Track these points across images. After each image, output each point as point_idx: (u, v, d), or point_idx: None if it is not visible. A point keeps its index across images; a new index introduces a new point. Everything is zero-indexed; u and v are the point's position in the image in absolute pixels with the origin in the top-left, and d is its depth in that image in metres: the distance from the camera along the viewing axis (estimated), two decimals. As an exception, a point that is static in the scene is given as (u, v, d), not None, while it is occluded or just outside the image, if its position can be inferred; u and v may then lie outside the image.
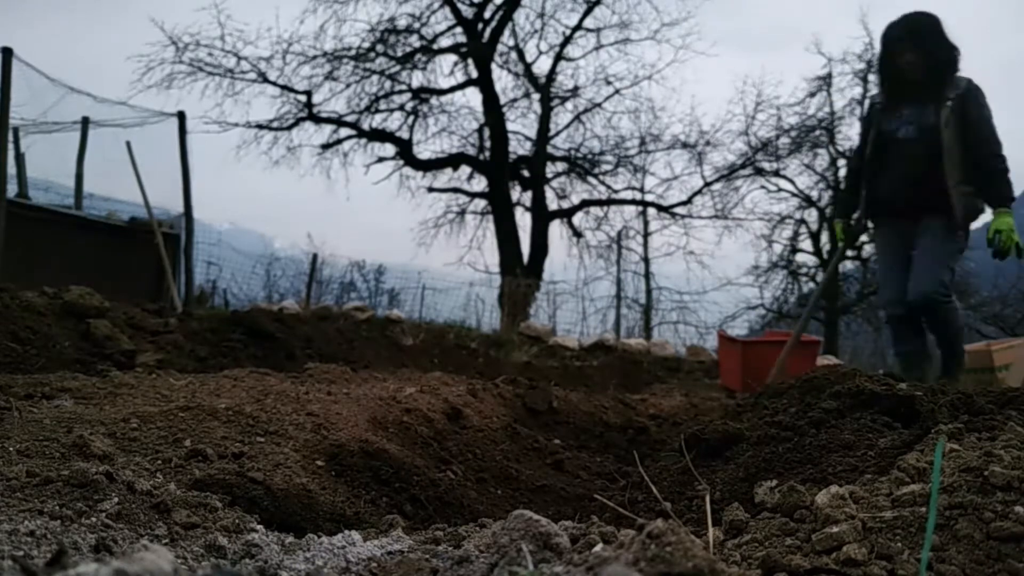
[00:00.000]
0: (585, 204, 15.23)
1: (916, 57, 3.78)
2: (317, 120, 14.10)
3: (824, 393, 2.01)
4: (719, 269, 14.66)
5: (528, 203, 14.89)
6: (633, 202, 15.08)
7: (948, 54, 3.78)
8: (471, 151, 14.99)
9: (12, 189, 7.48)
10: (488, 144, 14.59)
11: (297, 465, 1.82)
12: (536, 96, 14.85)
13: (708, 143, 14.70)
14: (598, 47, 14.73)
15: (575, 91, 15.01)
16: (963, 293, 14.14)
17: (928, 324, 3.92)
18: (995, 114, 3.79)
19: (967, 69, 3.83)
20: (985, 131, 3.72)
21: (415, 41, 14.13)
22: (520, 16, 14.46)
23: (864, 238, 12.73)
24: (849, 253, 15.69)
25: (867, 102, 4.21)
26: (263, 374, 3.00)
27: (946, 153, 3.68)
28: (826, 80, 14.88)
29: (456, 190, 15.23)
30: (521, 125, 15.61)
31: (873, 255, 15.24)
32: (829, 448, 1.63)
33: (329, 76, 13.70)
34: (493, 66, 14.27)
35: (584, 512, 1.80)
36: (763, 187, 15.33)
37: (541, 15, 14.39)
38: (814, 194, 15.61)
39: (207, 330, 4.93)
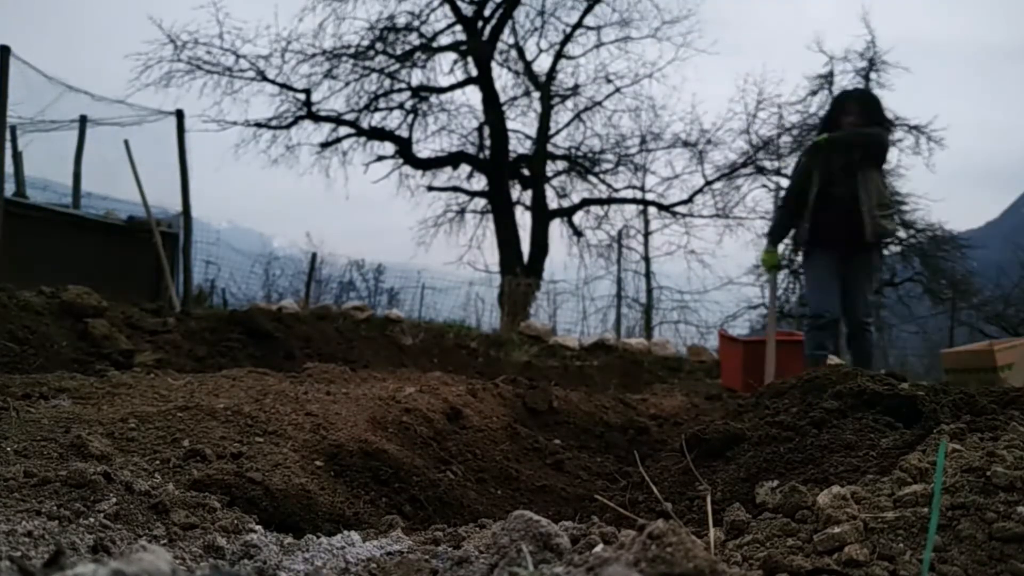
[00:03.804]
0: (585, 203, 15.20)
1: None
2: (316, 118, 14.08)
3: (826, 393, 2.00)
4: (720, 268, 14.59)
5: (528, 202, 14.87)
6: (634, 201, 15.05)
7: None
8: (471, 150, 14.98)
9: (10, 188, 7.47)
10: (488, 143, 14.57)
11: (296, 465, 1.81)
12: (536, 94, 14.83)
13: (709, 141, 14.66)
14: (598, 45, 14.73)
15: (575, 89, 15.00)
16: (965, 293, 14.13)
17: None
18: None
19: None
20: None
21: (414, 39, 14.12)
22: (520, 14, 14.47)
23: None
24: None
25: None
26: (262, 374, 2.99)
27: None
28: (827, 78, 14.87)
29: (456, 189, 15.21)
30: (521, 123, 15.62)
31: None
32: (831, 448, 1.62)
33: (328, 74, 13.69)
34: (493, 64, 14.26)
35: (584, 512, 1.80)
36: (764, 186, 15.29)
37: (541, 13, 14.39)
38: (815, 193, 15.55)
39: (205, 330, 4.93)
